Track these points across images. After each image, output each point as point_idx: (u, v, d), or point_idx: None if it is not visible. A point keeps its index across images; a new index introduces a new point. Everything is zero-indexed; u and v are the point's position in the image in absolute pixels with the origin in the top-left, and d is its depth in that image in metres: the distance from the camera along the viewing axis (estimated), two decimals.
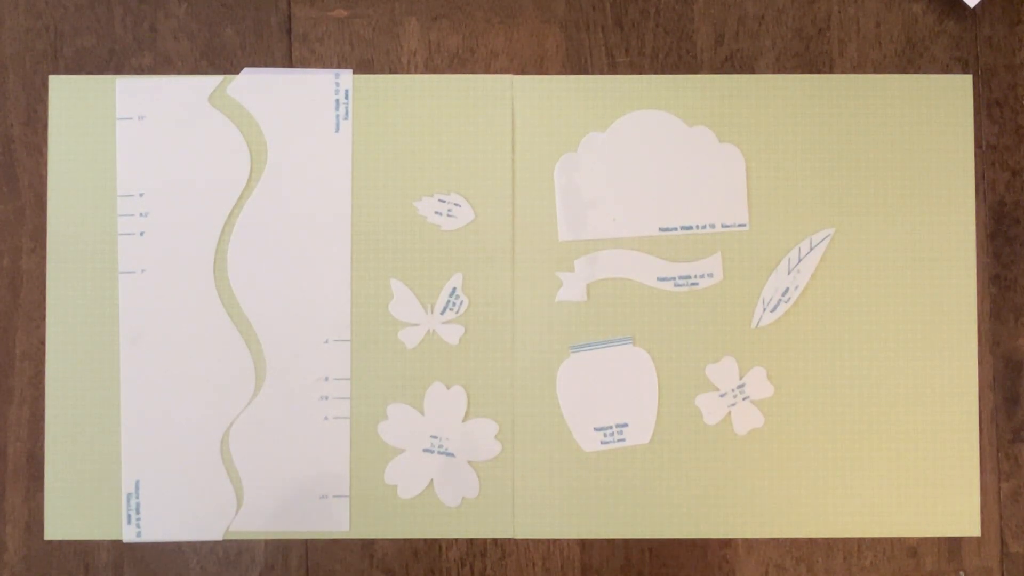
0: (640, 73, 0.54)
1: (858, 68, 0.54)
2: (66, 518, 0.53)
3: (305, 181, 0.54)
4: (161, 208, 0.54)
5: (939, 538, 0.53)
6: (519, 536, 0.53)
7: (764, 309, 0.53)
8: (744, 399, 0.53)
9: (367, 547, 0.53)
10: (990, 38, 0.55)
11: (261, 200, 0.54)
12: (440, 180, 0.54)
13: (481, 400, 0.53)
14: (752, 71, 0.54)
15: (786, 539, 0.53)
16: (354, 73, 0.54)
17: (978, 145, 0.54)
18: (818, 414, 0.53)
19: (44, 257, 0.54)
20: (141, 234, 0.53)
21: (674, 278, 0.53)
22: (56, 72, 0.54)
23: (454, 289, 0.53)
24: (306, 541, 0.53)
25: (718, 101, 0.54)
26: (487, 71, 0.54)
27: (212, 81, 0.54)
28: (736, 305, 0.54)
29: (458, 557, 0.53)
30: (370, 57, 0.54)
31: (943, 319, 0.54)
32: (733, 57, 0.54)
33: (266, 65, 0.54)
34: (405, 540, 0.53)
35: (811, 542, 0.53)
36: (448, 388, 0.53)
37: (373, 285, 0.54)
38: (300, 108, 0.54)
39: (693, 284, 0.53)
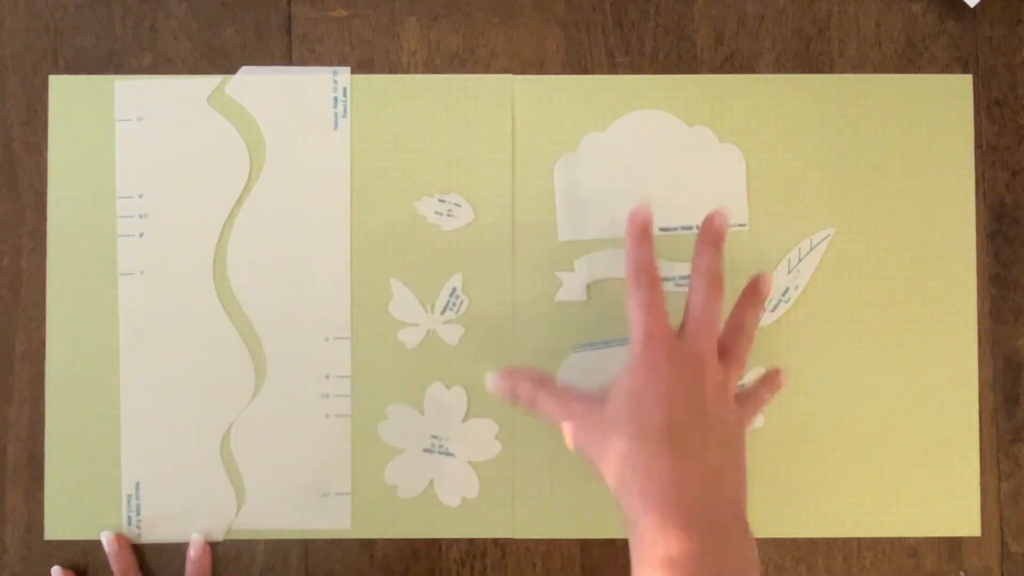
0: (640, 73, 0.54)
1: (858, 68, 0.54)
2: (66, 518, 0.53)
3: (304, 179, 0.54)
4: (160, 209, 0.54)
5: (939, 538, 0.53)
6: (519, 536, 0.53)
7: (764, 309, 0.53)
8: None
9: (367, 547, 0.53)
10: (990, 38, 0.55)
11: (260, 200, 0.54)
12: (440, 180, 0.54)
13: (481, 400, 0.53)
14: (752, 71, 0.54)
15: (786, 539, 0.53)
16: (354, 73, 0.54)
17: (978, 145, 0.54)
18: (818, 414, 0.53)
19: (44, 257, 0.54)
20: (140, 235, 0.53)
21: (674, 278, 0.53)
22: (56, 72, 0.54)
23: (454, 289, 0.53)
24: (306, 541, 0.53)
25: (718, 101, 0.54)
26: (487, 71, 0.54)
27: (211, 82, 0.54)
28: None
29: (458, 557, 0.53)
30: (370, 57, 0.54)
31: (943, 319, 0.54)
32: (733, 57, 0.54)
33: (266, 65, 0.54)
34: (405, 540, 0.53)
35: (811, 542, 0.53)
36: (448, 388, 0.53)
37: (373, 285, 0.54)
38: (298, 106, 0.54)
39: None
